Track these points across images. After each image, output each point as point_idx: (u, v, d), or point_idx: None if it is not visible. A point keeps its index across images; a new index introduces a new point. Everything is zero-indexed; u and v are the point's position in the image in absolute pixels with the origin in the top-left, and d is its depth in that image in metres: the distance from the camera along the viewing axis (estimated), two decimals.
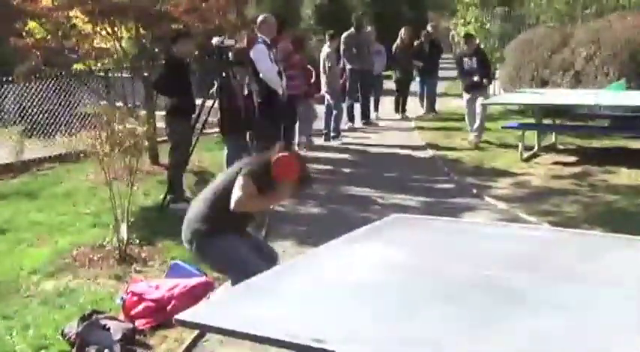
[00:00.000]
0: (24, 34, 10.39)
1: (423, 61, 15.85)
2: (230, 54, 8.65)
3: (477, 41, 13.98)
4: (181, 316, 2.86)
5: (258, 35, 9.59)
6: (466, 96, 12.73)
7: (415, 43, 16.13)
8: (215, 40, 8.23)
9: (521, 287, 3.09)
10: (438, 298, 3.03)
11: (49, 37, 10.34)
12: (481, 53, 13.03)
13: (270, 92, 9.47)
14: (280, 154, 4.83)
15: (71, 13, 10.04)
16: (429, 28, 16.81)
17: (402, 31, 15.98)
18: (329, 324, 2.75)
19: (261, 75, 9.45)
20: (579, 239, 4.32)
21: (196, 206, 5.01)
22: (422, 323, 2.71)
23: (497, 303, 2.91)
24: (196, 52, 10.39)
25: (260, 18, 9.79)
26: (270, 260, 4.80)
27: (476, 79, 12.39)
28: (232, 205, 4.67)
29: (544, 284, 3.13)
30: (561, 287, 3.09)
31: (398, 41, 15.87)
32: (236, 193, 4.67)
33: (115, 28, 10.30)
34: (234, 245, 4.80)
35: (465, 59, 12.61)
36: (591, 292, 3.03)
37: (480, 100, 12.21)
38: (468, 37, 13.55)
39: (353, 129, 14.30)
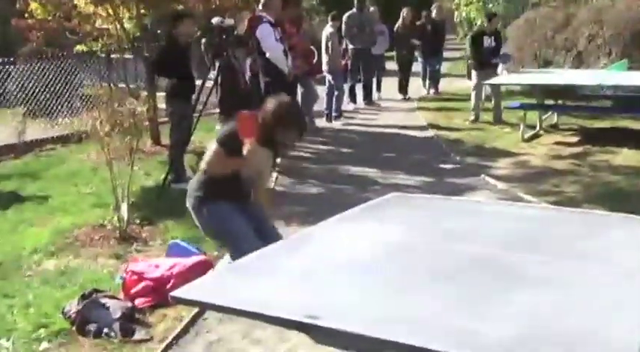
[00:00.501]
0: (26, 14, 10.40)
1: (425, 41, 15.81)
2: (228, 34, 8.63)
3: None
4: (177, 293, 2.87)
5: (263, 14, 9.56)
6: (477, 75, 12.60)
7: (418, 24, 16.10)
8: (215, 20, 8.22)
9: (520, 265, 3.09)
10: (435, 276, 3.03)
11: (50, 17, 10.34)
12: (499, 33, 12.98)
13: (276, 71, 9.45)
14: (244, 112, 4.76)
15: None
16: (432, 8, 16.76)
17: (404, 11, 15.94)
18: (324, 302, 2.76)
19: (267, 54, 9.43)
20: (578, 217, 4.32)
21: (194, 176, 5.15)
22: (419, 301, 2.72)
23: (496, 281, 2.91)
24: (198, 33, 10.38)
25: None
26: (270, 240, 4.55)
27: (494, 61, 12.40)
28: (203, 165, 4.85)
29: (543, 261, 3.13)
30: (560, 265, 3.09)
31: (399, 22, 15.84)
32: (206, 155, 4.87)
33: (118, 9, 10.29)
34: (229, 217, 4.78)
35: (486, 37, 12.50)
36: (591, 270, 3.03)
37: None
38: (492, 16, 13.32)
39: (355, 110, 14.31)
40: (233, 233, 4.77)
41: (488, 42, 12.45)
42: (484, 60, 12.45)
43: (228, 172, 4.77)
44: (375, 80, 15.50)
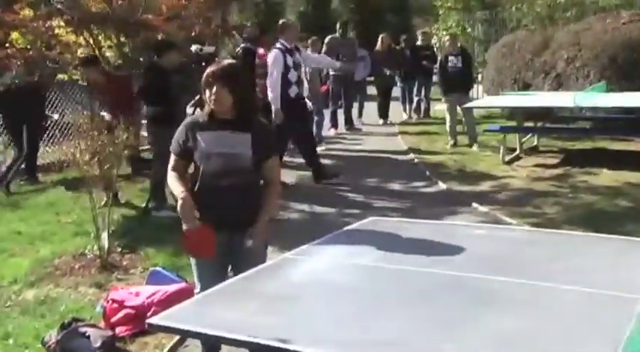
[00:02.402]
0: (6, 44, 10.39)
1: (404, 66, 15.91)
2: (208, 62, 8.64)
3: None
4: (153, 320, 2.88)
5: (279, 39, 9.52)
6: (447, 99, 12.71)
7: (398, 48, 16.22)
8: (194, 48, 8.23)
9: (491, 288, 3.11)
10: (410, 299, 3.05)
11: (30, 47, 10.36)
12: (466, 53, 13.09)
13: (286, 98, 9.37)
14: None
15: (53, 23, 10.05)
16: (418, 34, 16.91)
17: (381, 36, 16.05)
18: (298, 326, 2.78)
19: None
20: (551, 238, 4.35)
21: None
22: (389, 325, 2.74)
23: (466, 304, 2.93)
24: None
25: (281, 22, 9.77)
26: None
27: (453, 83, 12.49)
28: None
29: (517, 284, 3.15)
30: (534, 287, 3.10)
31: (377, 47, 15.94)
32: None
33: (99, 37, 10.32)
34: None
35: (451, 58, 12.58)
36: (561, 292, 3.04)
37: (464, 104, 12.26)
38: (452, 36, 13.52)
39: (337, 135, 14.33)
40: (196, 274, 4.30)
41: (453, 62, 12.52)
42: (451, 82, 12.52)
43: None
44: (357, 105, 15.57)
